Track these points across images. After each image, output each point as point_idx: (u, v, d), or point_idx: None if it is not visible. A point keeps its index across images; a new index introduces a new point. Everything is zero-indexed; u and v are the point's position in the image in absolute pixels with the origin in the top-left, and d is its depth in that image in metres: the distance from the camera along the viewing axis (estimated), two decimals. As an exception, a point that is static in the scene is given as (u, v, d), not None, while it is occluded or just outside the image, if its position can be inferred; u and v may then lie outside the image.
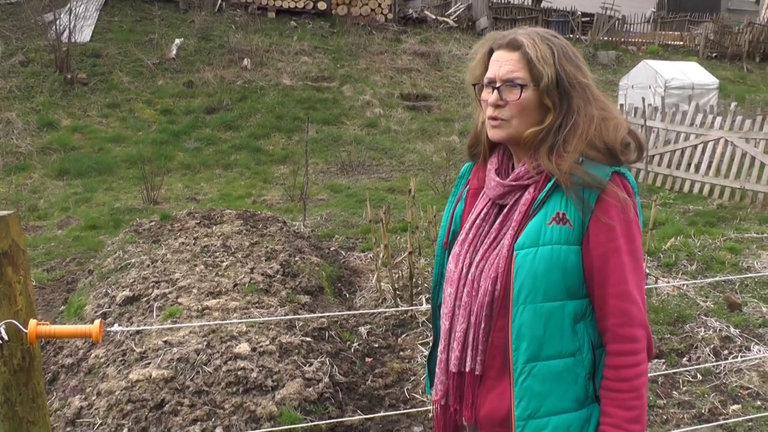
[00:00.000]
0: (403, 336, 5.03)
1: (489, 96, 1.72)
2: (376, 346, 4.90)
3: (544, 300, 1.64)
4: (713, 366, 4.52)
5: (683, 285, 5.71)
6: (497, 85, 1.70)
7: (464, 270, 1.77)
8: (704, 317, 5.19)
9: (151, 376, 3.86)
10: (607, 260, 1.62)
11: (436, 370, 1.86)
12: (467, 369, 1.75)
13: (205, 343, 4.21)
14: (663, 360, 4.60)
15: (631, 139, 1.71)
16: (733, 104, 11.03)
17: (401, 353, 4.78)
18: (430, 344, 2.00)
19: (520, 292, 1.64)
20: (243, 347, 4.16)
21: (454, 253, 1.81)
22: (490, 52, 1.77)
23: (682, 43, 22.91)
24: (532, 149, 1.72)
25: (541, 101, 1.69)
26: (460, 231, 1.84)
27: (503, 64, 1.70)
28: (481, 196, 1.84)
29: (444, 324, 1.81)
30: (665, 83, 13.28)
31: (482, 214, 1.79)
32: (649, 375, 4.36)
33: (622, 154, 1.68)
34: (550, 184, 1.67)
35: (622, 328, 1.63)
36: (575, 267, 1.64)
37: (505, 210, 1.74)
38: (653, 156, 10.80)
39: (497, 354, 1.71)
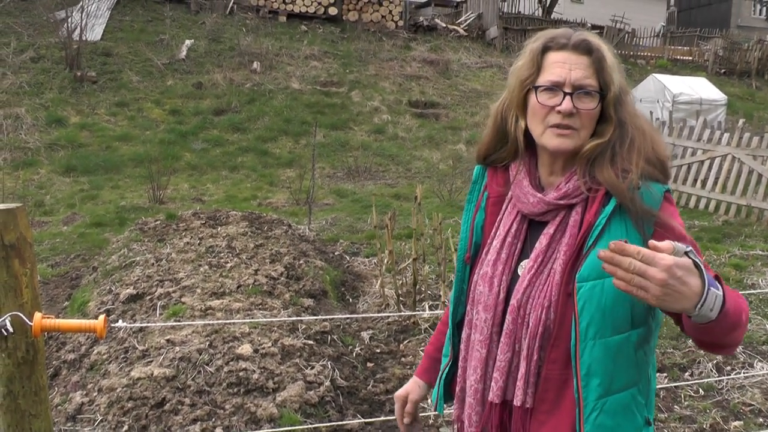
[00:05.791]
0: (406, 342, 5.02)
1: (552, 100, 1.55)
2: (378, 351, 4.89)
3: (613, 333, 1.53)
4: (715, 381, 4.50)
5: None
6: (569, 91, 1.54)
7: (501, 294, 1.62)
8: (708, 332, 5.17)
9: (152, 375, 3.86)
10: None
11: (470, 399, 1.70)
12: (518, 403, 1.61)
13: (207, 342, 4.21)
14: (665, 374, 4.59)
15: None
16: (741, 121, 11.04)
17: (403, 359, 4.77)
18: (448, 363, 1.82)
19: (589, 328, 1.52)
20: (245, 348, 4.16)
21: (486, 275, 1.65)
22: (544, 50, 1.59)
23: (691, 58, 22.94)
24: (584, 163, 1.57)
25: (604, 112, 1.57)
26: (486, 247, 1.69)
27: (573, 67, 1.55)
28: (506, 208, 1.69)
29: (479, 352, 1.66)
30: (673, 98, 13.29)
31: (513, 231, 1.65)
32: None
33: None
34: (609, 209, 1.52)
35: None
36: None
37: (551, 230, 1.60)
38: (660, 170, 10.77)
39: (550, 387, 1.58)
